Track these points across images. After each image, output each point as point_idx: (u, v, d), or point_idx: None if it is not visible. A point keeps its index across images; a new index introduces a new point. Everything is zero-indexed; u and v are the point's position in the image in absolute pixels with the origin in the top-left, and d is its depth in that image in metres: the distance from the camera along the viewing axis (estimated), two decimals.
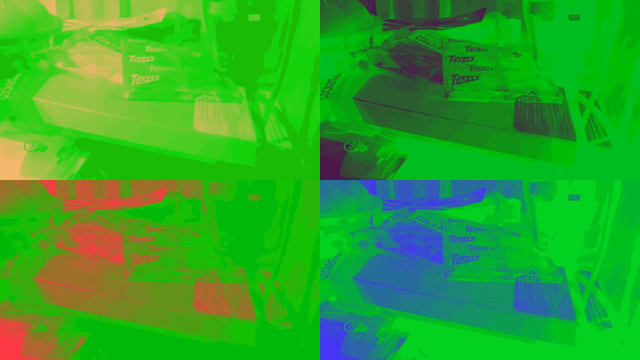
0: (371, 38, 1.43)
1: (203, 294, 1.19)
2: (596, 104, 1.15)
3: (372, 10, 1.66)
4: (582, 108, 1.13)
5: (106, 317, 1.20)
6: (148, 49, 1.37)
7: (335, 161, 1.27)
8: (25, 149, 1.32)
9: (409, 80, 1.31)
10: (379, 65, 1.35)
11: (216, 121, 1.18)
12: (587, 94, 1.16)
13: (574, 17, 1.11)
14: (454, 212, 1.58)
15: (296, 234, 1.23)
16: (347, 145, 1.30)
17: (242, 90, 1.27)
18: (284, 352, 1.13)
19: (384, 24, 1.50)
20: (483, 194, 1.57)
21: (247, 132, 1.17)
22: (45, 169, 1.32)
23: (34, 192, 1.43)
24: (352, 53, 1.38)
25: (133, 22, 1.49)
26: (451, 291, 1.24)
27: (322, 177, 1.23)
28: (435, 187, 1.80)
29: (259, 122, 1.18)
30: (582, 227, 1.17)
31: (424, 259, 1.36)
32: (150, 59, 1.33)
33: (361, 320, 1.33)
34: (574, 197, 1.13)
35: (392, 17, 1.80)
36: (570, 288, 1.18)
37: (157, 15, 1.52)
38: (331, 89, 1.31)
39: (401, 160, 1.31)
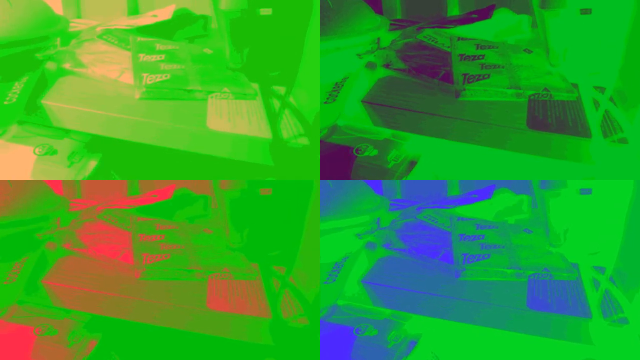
0: (378, 39, 1.42)
1: (216, 292, 1.19)
2: (611, 99, 1.14)
3: (378, 10, 1.66)
4: (596, 104, 1.12)
5: (118, 319, 1.19)
6: (158, 46, 1.37)
7: (345, 166, 1.27)
8: (35, 154, 1.32)
9: (418, 81, 1.30)
10: (386, 66, 1.35)
11: (230, 119, 1.17)
12: (602, 90, 1.16)
13: (586, 11, 1.11)
14: (463, 210, 1.58)
15: (309, 227, 1.23)
16: (357, 150, 1.30)
17: (255, 87, 1.27)
18: (300, 348, 1.13)
19: (391, 24, 1.50)
20: (492, 190, 1.57)
21: (262, 129, 1.16)
22: (56, 174, 1.31)
23: (40, 193, 1.42)
24: (359, 55, 1.37)
25: (142, 20, 1.49)
26: (463, 291, 1.23)
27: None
28: (443, 186, 1.80)
29: (273, 118, 1.17)
30: (595, 222, 1.17)
31: (434, 259, 1.35)
32: (160, 57, 1.32)
33: (371, 324, 1.33)
34: (585, 191, 1.12)
35: (398, 17, 1.80)
36: (585, 284, 1.17)
37: (166, 12, 1.51)
38: (338, 92, 1.30)
39: (413, 163, 1.30)
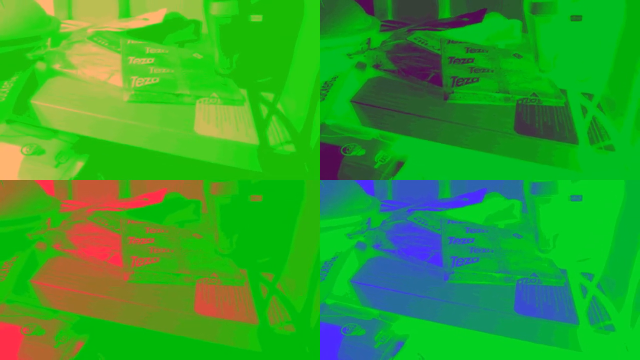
0: (369, 39, 1.42)
1: (204, 297, 1.19)
2: (599, 106, 1.14)
3: (370, 11, 1.65)
4: (584, 111, 1.12)
5: (105, 320, 1.19)
6: (148, 50, 1.37)
7: (332, 165, 1.27)
8: (22, 153, 1.32)
9: (407, 83, 1.30)
10: (376, 67, 1.34)
11: (218, 124, 1.17)
12: (590, 96, 1.16)
13: (576, 18, 1.10)
14: (453, 213, 1.58)
15: (299, 235, 1.22)
16: (344, 149, 1.30)
17: (244, 92, 1.27)
18: (286, 356, 1.12)
19: (382, 25, 1.50)
20: (483, 194, 1.57)
21: (249, 135, 1.16)
22: (43, 173, 1.31)
23: (32, 193, 1.42)
24: (349, 54, 1.37)
25: (133, 23, 1.49)
26: (451, 294, 1.23)
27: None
28: (434, 188, 1.80)
29: (261, 124, 1.17)
30: (585, 228, 1.17)
31: (423, 261, 1.35)
32: (150, 60, 1.32)
33: (359, 323, 1.33)
34: (576, 198, 1.12)
35: (390, 18, 1.80)
36: (572, 290, 1.17)
37: (157, 16, 1.51)
38: (328, 91, 1.30)
39: (399, 164, 1.30)
